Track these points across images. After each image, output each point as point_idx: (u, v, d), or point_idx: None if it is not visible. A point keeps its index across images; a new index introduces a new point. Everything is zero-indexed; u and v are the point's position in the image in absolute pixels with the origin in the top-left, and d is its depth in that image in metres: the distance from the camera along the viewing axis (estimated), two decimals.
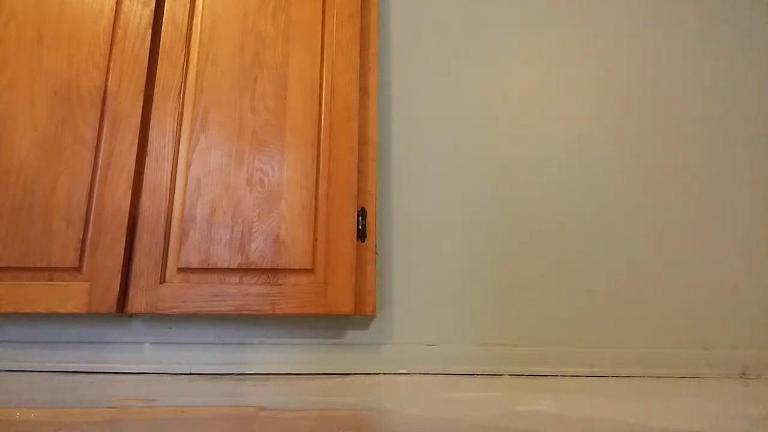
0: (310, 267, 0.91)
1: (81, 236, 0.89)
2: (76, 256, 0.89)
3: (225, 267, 0.91)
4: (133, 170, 0.93)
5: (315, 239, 0.93)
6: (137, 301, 0.88)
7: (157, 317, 1.03)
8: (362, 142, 1.01)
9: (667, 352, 1.05)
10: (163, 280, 0.90)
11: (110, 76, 0.97)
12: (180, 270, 0.91)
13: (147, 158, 0.95)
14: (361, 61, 1.05)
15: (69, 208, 0.90)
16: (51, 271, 0.88)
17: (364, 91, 1.04)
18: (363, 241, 0.96)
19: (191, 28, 1.02)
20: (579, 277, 1.09)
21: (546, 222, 1.12)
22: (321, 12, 1.04)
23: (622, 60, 1.23)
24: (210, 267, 0.91)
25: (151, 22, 1.00)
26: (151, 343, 1.01)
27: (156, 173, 0.94)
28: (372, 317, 1.05)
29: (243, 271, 0.91)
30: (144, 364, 1.00)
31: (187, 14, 1.02)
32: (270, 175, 0.95)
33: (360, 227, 0.96)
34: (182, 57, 1.00)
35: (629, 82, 1.22)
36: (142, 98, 0.96)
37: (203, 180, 0.94)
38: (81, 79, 0.96)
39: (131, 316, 1.02)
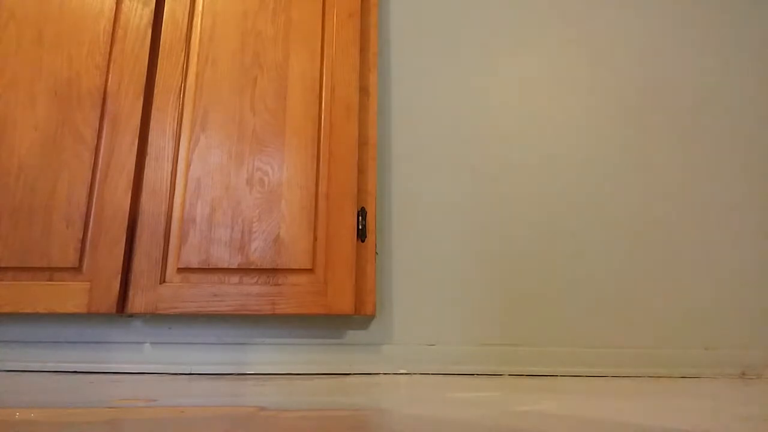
0: (310, 267, 0.91)
1: (81, 236, 0.89)
2: (76, 256, 0.89)
3: (225, 267, 0.91)
4: (133, 170, 0.93)
5: (315, 239, 0.93)
6: (137, 301, 0.88)
7: (157, 317, 1.03)
8: (362, 142, 1.01)
9: (667, 352, 1.05)
10: (163, 280, 0.90)
11: (110, 76, 0.97)
12: (180, 270, 0.91)
13: (147, 158, 0.95)
14: (361, 61, 1.05)
15: (69, 208, 0.90)
16: (51, 271, 0.88)
17: (364, 91, 1.04)
18: (363, 241, 0.96)
19: (191, 28, 1.02)
20: (579, 277, 1.09)
21: (546, 222, 1.12)
22: (321, 12, 1.04)
23: (619, 59, 1.23)
24: (210, 267, 0.91)
25: (151, 22, 1.00)
26: (151, 343, 1.01)
27: (156, 173, 0.94)
28: (372, 317, 1.05)
29: (243, 271, 0.91)
30: (144, 364, 1.00)
31: (187, 14, 1.02)
32: (270, 175, 0.95)
33: (360, 227, 0.96)
34: (182, 57, 1.00)
35: (628, 82, 1.22)
36: (142, 98, 0.96)
37: (203, 180, 0.94)
38: (81, 79, 0.96)
39: (131, 316, 1.02)
